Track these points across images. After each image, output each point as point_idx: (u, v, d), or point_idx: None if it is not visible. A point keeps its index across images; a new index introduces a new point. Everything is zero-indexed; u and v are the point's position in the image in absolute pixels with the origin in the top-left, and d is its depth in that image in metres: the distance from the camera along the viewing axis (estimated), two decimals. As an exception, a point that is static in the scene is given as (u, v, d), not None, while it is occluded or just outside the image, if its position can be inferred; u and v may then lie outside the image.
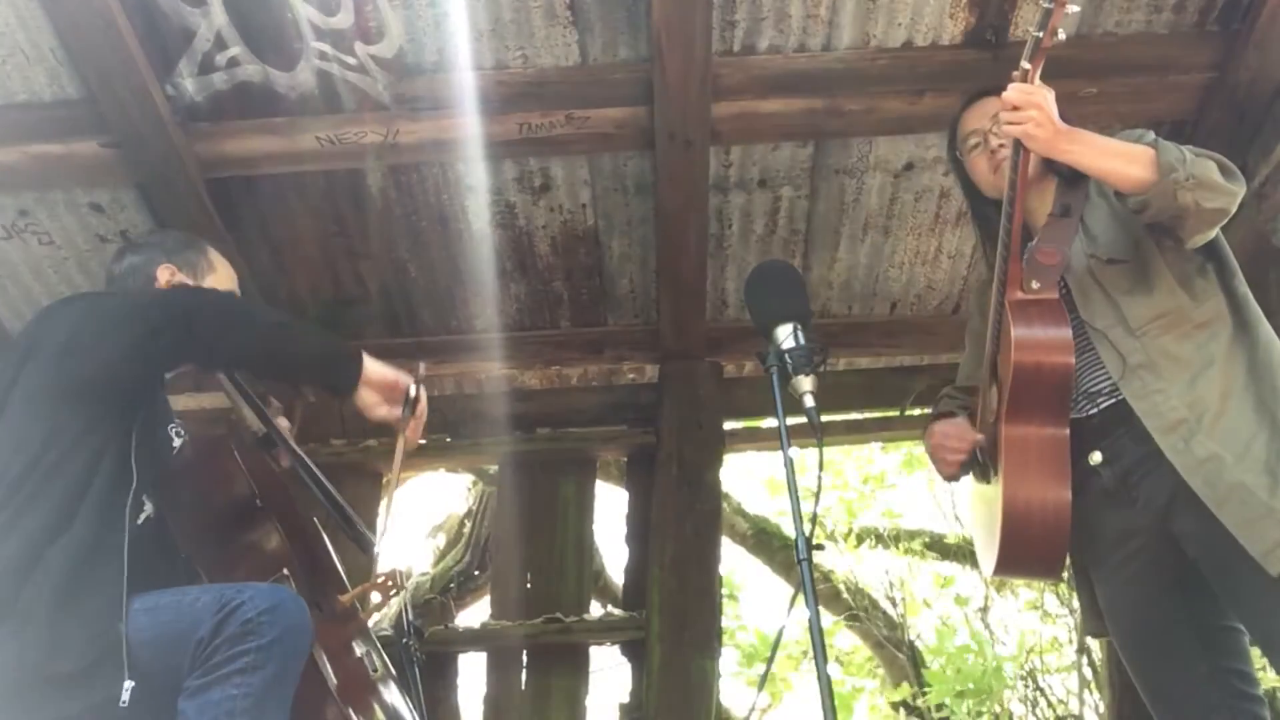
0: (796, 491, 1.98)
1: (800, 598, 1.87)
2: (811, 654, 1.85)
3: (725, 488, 4.70)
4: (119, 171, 3.49)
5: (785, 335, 2.10)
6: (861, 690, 7.18)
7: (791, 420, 2.05)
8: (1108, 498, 2.27)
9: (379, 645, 2.38)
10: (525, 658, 4.06)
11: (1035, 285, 2.27)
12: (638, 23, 3.28)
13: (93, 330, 2.08)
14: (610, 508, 4.85)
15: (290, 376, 2.38)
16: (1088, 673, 6.06)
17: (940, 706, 6.36)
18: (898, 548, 6.92)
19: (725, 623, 6.69)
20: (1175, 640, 2.24)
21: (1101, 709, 5.75)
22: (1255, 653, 2.30)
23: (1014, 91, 2.16)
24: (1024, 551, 2.24)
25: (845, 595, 6.79)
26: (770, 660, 5.84)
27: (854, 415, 4.58)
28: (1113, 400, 2.26)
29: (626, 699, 3.98)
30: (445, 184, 3.70)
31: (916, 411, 4.30)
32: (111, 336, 2.07)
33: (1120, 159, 2.19)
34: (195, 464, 2.24)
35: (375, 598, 2.42)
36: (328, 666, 2.06)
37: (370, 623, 2.47)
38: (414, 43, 3.29)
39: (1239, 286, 2.31)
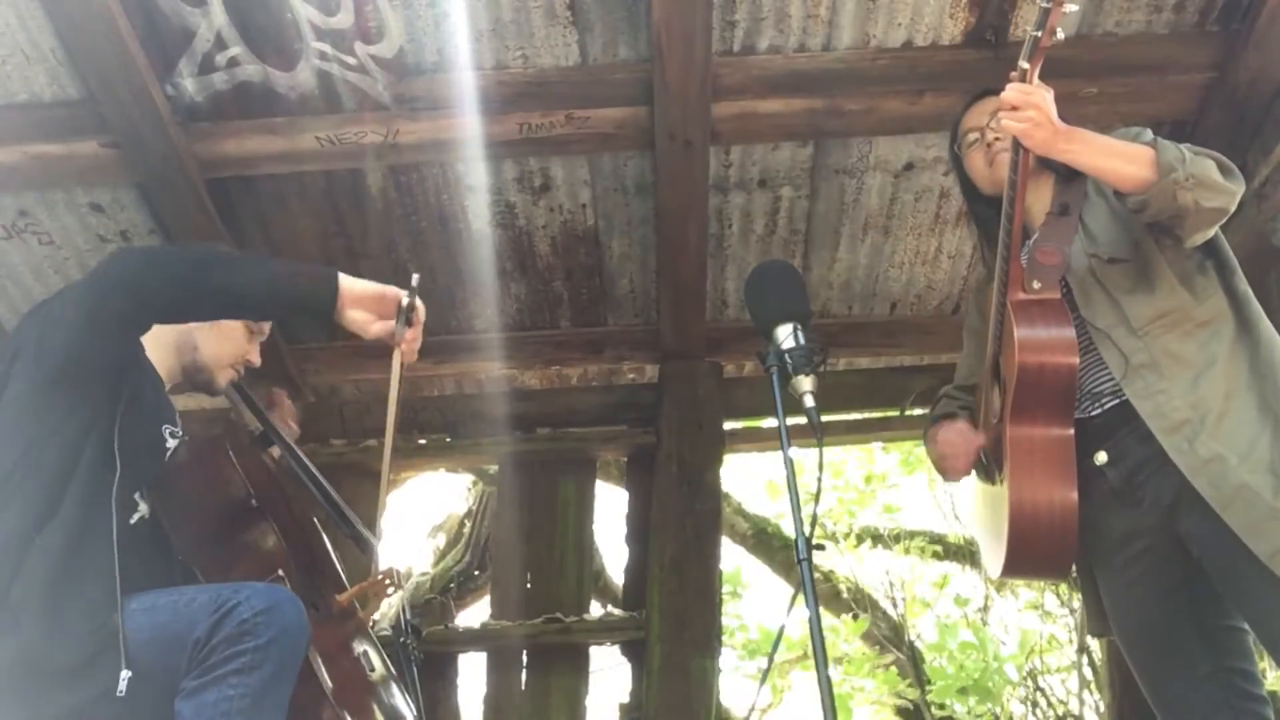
0: (796, 491, 1.98)
1: (800, 598, 1.87)
2: (812, 654, 1.85)
3: (725, 488, 4.70)
4: (119, 171, 3.49)
5: (785, 335, 2.09)
6: (861, 690, 7.18)
7: (791, 420, 2.05)
8: (1113, 498, 2.27)
9: (378, 645, 2.37)
10: (525, 658, 4.06)
11: (1037, 285, 2.27)
12: (638, 23, 3.28)
13: (55, 319, 2.10)
14: (610, 508, 4.86)
15: (264, 310, 2.25)
16: (1088, 673, 6.06)
17: (941, 705, 6.36)
18: (898, 547, 6.92)
19: (726, 621, 6.70)
20: (1179, 640, 2.24)
21: (1101, 709, 5.75)
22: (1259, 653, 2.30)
23: (1012, 91, 2.16)
24: (1032, 552, 2.24)
25: (845, 595, 6.79)
26: (770, 660, 5.83)
27: (854, 415, 4.58)
28: (1116, 400, 2.26)
29: (626, 699, 3.98)
30: (445, 184, 3.70)
31: (916, 411, 4.30)
32: (65, 325, 2.07)
33: (1119, 158, 2.19)
34: (190, 465, 2.23)
35: (373, 597, 2.41)
36: (323, 669, 2.06)
37: (369, 622, 2.46)
38: (414, 43, 3.29)
39: (1240, 285, 2.30)
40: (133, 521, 2.09)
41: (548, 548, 4.22)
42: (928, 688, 6.36)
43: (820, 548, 1.95)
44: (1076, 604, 5.90)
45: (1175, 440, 2.15)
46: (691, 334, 4.09)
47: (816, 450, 2.05)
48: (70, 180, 3.54)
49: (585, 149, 3.57)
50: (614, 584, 5.61)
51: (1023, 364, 2.20)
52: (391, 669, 2.35)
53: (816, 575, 1.94)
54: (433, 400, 4.38)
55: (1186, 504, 2.15)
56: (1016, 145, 2.20)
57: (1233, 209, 2.20)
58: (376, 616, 2.75)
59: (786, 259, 3.92)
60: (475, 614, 5.61)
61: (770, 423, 4.27)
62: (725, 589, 6.76)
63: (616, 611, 4.29)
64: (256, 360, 2.47)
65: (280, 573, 2.14)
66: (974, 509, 2.63)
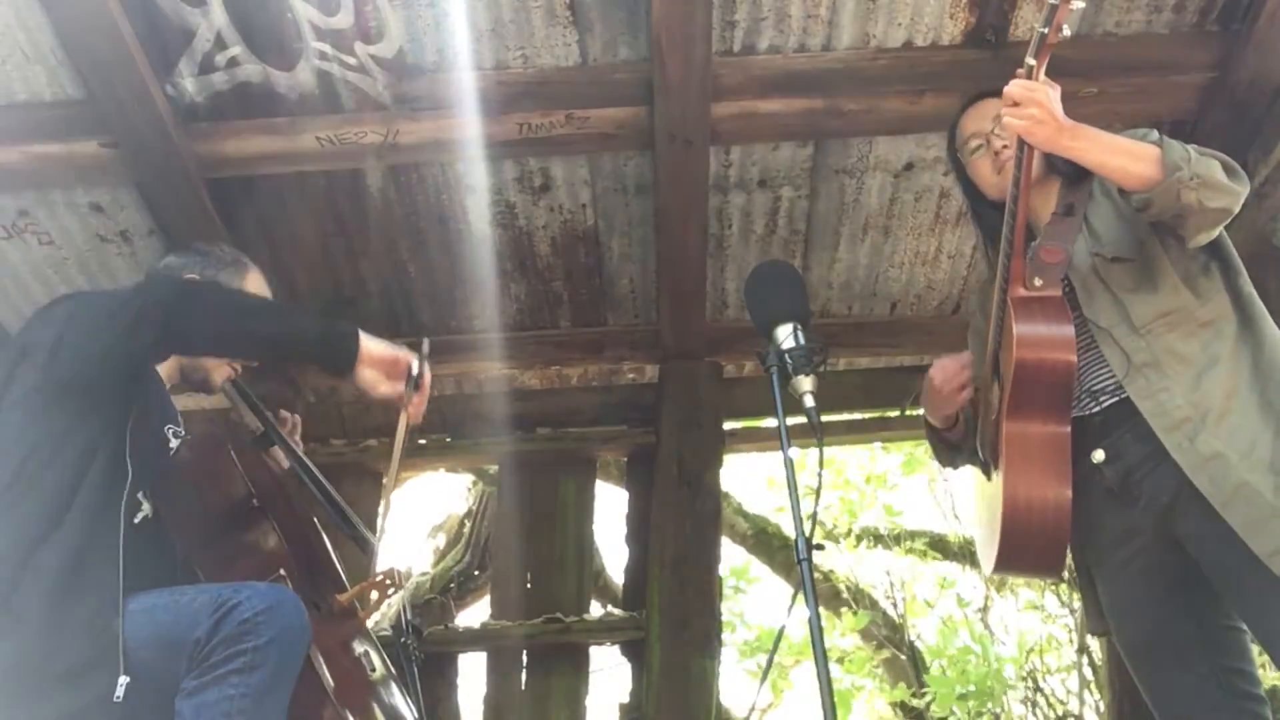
0: (797, 491, 1.98)
1: (800, 597, 1.87)
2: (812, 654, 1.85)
3: (725, 488, 4.70)
4: (119, 171, 3.49)
5: (785, 335, 2.10)
6: (861, 689, 7.18)
7: (791, 420, 2.05)
8: (1110, 496, 2.27)
9: (379, 645, 2.37)
10: (525, 658, 4.06)
11: (1038, 282, 2.27)
12: (638, 23, 3.28)
13: (76, 330, 2.09)
14: (610, 508, 4.86)
15: (284, 358, 2.32)
16: (1088, 673, 6.06)
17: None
18: (899, 548, 6.92)
19: (729, 618, 6.71)
20: (1177, 640, 2.24)
21: (1101, 709, 5.75)
22: (1256, 651, 2.30)
23: (1015, 86, 2.15)
24: (1024, 549, 2.24)
25: (845, 595, 6.79)
26: (770, 660, 5.83)
27: (854, 415, 4.59)
28: (1115, 398, 2.26)
29: (626, 699, 3.98)
30: (445, 184, 3.70)
31: (916, 411, 4.30)
32: (92, 336, 2.07)
33: (1124, 156, 2.18)
34: (192, 464, 2.23)
35: (374, 597, 2.41)
36: (324, 668, 2.06)
37: (370, 622, 2.46)
38: (414, 43, 3.29)
39: (1244, 286, 2.30)
40: (137, 521, 2.09)
41: (548, 548, 4.23)
42: (925, 692, 6.35)
43: (820, 548, 1.95)
44: (1076, 604, 5.90)
45: (1176, 438, 2.15)
46: (691, 334, 4.09)
47: (816, 450, 2.05)
48: (70, 180, 3.54)
49: (585, 149, 3.57)
50: (614, 584, 5.61)
51: (1020, 359, 2.21)
52: (392, 669, 2.35)
53: (816, 575, 1.94)
54: (433, 400, 4.33)
55: (1184, 504, 2.15)
56: (1021, 142, 2.20)
57: (1236, 210, 2.20)
58: (377, 616, 2.75)
59: (786, 259, 3.92)
60: (475, 614, 5.61)
61: (770, 422, 4.26)
62: (730, 583, 6.77)
63: (616, 611, 4.29)
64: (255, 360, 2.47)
65: (281, 572, 2.14)
66: (972, 506, 2.63)
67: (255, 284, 2.48)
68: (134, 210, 3.67)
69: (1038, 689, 6.43)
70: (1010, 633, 6.83)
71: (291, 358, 2.25)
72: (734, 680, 7.13)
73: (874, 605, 6.82)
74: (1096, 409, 2.28)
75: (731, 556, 6.73)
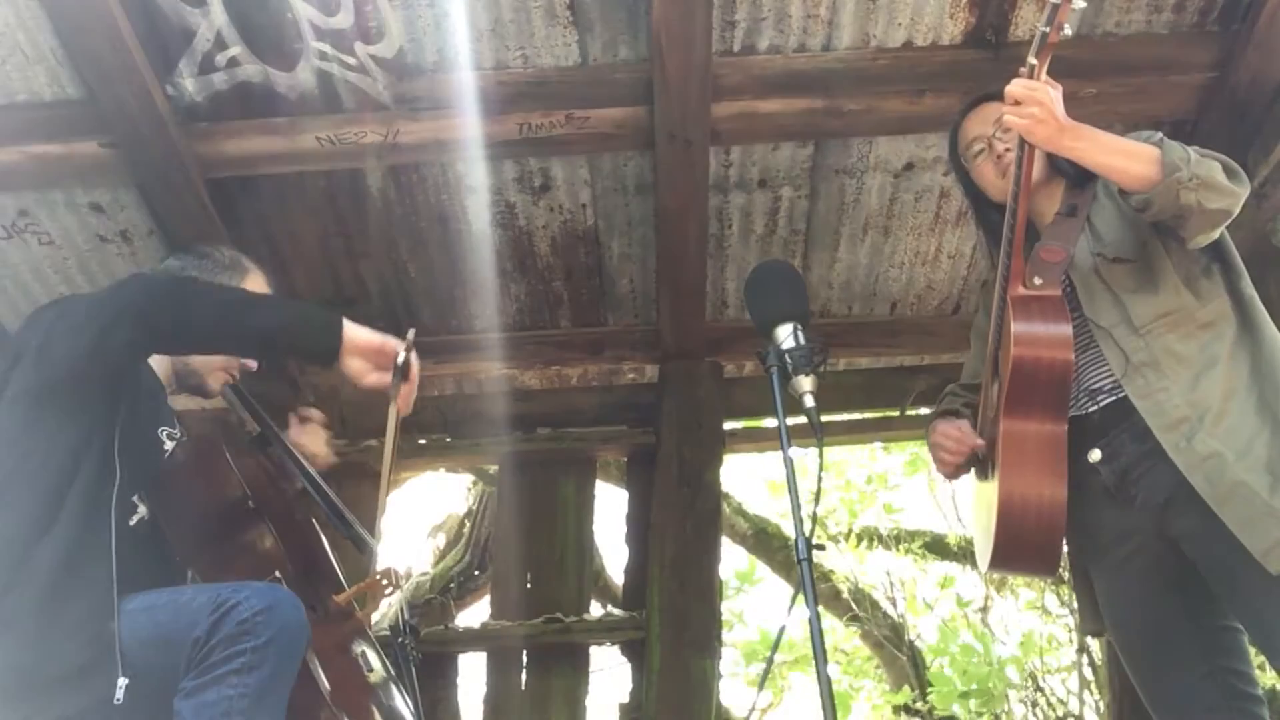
0: (797, 491, 1.98)
1: (800, 597, 1.87)
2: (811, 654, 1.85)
3: (725, 488, 4.70)
4: (119, 171, 3.49)
5: (785, 335, 2.10)
6: (861, 689, 7.19)
7: (791, 420, 2.05)
8: (1106, 496, 2.27)
9: (377, 645, 2.37)
10: (525, 658, 4.06)
11: (1038, 281, 2.28)
12: (638, 23, 3.28)
13: (59, 332, 2.09)
14: (610, 508, 4.86)
15: (268, 350, 2.29)
16: (1088, 673, 6.06)
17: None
18: (899, 548, 6.92)
19: (728, 618, 6.69)
20: (1174, 640, 2.24)
21: (1101, 709, 5.75)
22: (1255, 652, 2.30)
23: (1017, 86, 2.15)
24: (1019, 547, 2.24)
25: (845, 595, 6.79)
26: (770, 661, 5.84)
27: (854, 415, 4.59)
28: (1113, 398, 2.26)
29: (626, 699, 3.98)
30: (445, 184, 3.70)
31: (916, 411, 4.30)
32: (74, 337, 2.07)
33: (1124, 156, 2.19)
34: (187, 466, 2.23)
35: (371, 597, 2.41)
36: (319, 671, 2.05)
37: (368, 623, 2.46)
38: (414, 43, 3.29)
39: (1245, 287, 2.31)
40: (132, 523, 2.09)
41: (548, 548, 4.22)
42: (929, 694, 6.35)
43: (820, 548, 1.95)
44: (1076, 604, 5.89)
45: (1173, 437, 2.15)
46: (691, 334, 4.09)
47: (816, 450, 2.05)
48: (70, 180, 3.54)
49: (585, 149, 3.57)
50: (614, 584, 5.61)
51: (1018, 358, 2.21)
52: (390, 669, 2.34)
53: (816, 575, 1.94)
54: (433, 400, 4.37)
55: (1180, 503, 2.16)
56: (1022, 142, 2.20)
57: (1236, 211, 2.20)
58: (376, 617, 2.75)
59: (786, 259, 3.92)
60: (475, 614, 5.61)
61: (770, 423, 4.26)
62: (734, 585, 6.76)
63: (616, 611, 4.29)
64: (253, 364, 2.46)
65: (277, 574, 2.13)
66: (971, 505, 2.64)
67: (255, 286, 2.48)
68: (134, 210, 3.67)
69: (1038, 689, 6.43)
70: (1011, 633, 6.83)
71: (276, 349, 2.22)
72: (734, 680, 7.12)
73: (874, 605, 6.82)
74: (1094, 408, 2.29)
75: (732, 557, 6.73)
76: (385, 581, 2.34)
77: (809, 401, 2.05)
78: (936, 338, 4.18)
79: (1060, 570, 2.45)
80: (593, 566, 4.59)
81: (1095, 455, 2.27)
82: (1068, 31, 2.07)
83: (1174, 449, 2.15)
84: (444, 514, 6.37)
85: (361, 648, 2.29)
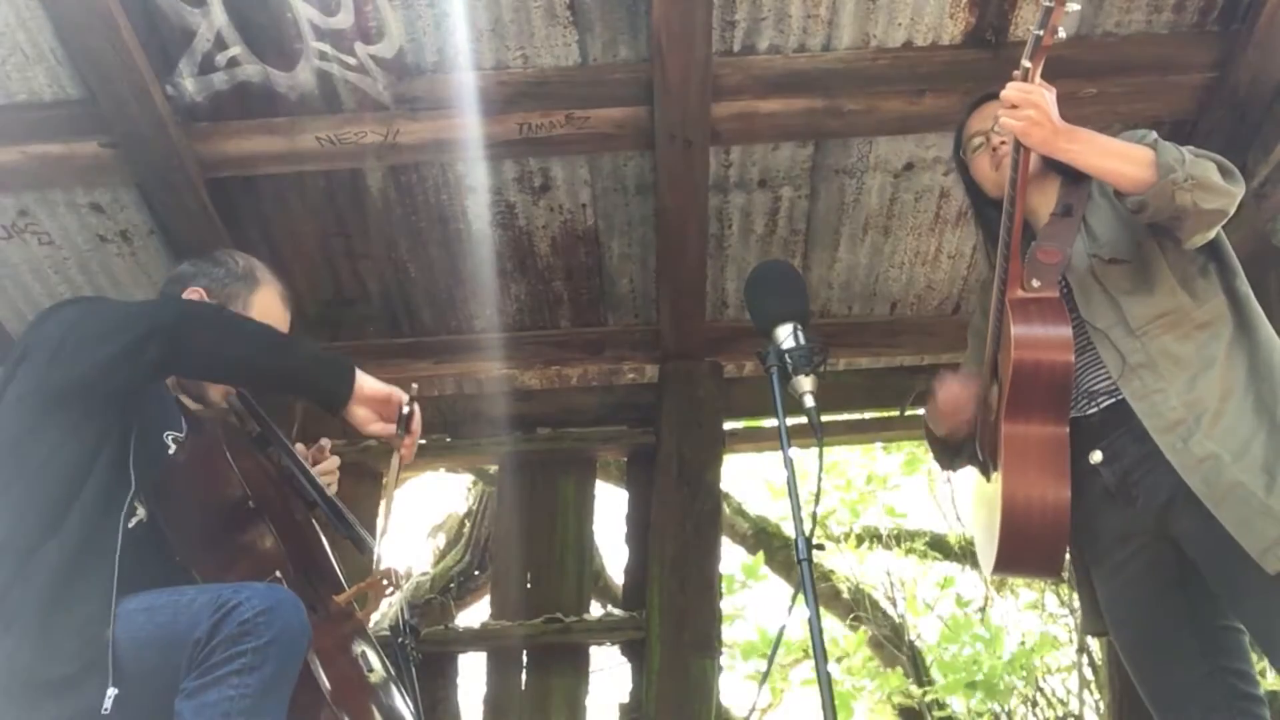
0: (797, 491, 1.98)
1: (800, 598, 1.87)
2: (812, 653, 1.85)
3: (725, 488, 4.70)
4: (119, 171, 3.49)
5: (785, 335, 2.10)
6: (861, 690, 7.18)
7: (791, 420, 2.05)
8: (1108, 497, 2.27)
9: (377, 646, 2.37)
10: (525, 658, 4.07)
11: (1036, 283, 2.27)
12: (638, 23, 3.28)
13: (80, 337, 2.08)
14: (610, 508, 4.86)
15: (280, 390, 2.34)
16: (1088, 673, 6.06)
17: (942, 705, 6.36)
18: (899, 548, 6.92)
19: (732, 613, 6.68)
20: (1175, 640, 2.24)
21: (1101, 709, 5.76)
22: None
23: (1011, 89, 2.16)
24: (1023, 549, 2.24)
25: (845, 595, 6.79)
26: (770, 661, 5.84)
27: (854, 415, 4.59)
28: (1112, 399, 2.26)
29: (626, 699, 3.98)
30: (445, 184, 3.70)
31: (916, 411, 4.30)
32: (97, 345, 2.05)
33: (1119, 158, 2.19)
34: (187, 466, 2.22)
35: (371, 597, 2.41)
36: (320, 671, 2.05)
37: (368, 623, 2.46)
38: (414, 43, 3.29)
39: (1241, 287, 2.31)
40: (131, 525, 2.08)
41: (548, 548, 4.23)
42: (934, 682, 6.35)
43: (820, 548, 1.95)
44: (1076, 604, 5.90)
45: (1170, 439, 2.15)
46: (691, 334, 4.09)
47: (816, 450, 2.05)
48: (70, 180, 3.54)
49: (585, 149, 3.57)
50: (614, 584, 5.61)
51: (1018, 360, 2.21)
52: (390, 670, 2.34)
53: (816, 575, 1.94)
54: (433, 400, 4.37)
55: (1180, 503, 2.16)
56: (1017, 143, 2.21)
57: (1232, 211, 2.20)
58: (376, 617, 2.75)
59: (786, 259, 3.92)
60: (475, 614, 5.61)
61: (770, 423, 4.27)
62: (739, 579, 6.75)
63: (616, 611, 4.29)
64: None
65: (277, 574, 2.13)
66: (971, 507, 2.64)
67: (268, 298, 2.45)
68: (134, 210, 3.67)
69: (1038, 689, 6.43)
70: (1011, 634, 6.83)
71: (286, 391, 2.26)
72: (734, 680, 7.12)
73: (874, 605, 6.82)
74: (1094, 410, 2.29)
75: (732, 556, 6.73)
76: (385, 582, 2.34)
77: (809, 401, 2.05)
78: (936, 338, 4.18)
79: (1062, 572, 2.44)
80: (593, 566, 4.59)
81: (1096, 457, 2.27)
82: (1062, 34, 2.08)
83: (1171, 450, 2.15)
84: (444, 514, 6.38)
85: (362, 648, 2.29)
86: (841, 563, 6.93)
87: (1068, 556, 2.36)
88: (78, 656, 1.89)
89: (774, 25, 3.32)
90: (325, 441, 2.60)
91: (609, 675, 4.70)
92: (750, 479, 7.38)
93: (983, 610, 6.94)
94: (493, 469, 4.87)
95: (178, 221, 3.57)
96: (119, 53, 3.16)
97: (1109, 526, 2.28)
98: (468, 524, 6.00)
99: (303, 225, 3.80)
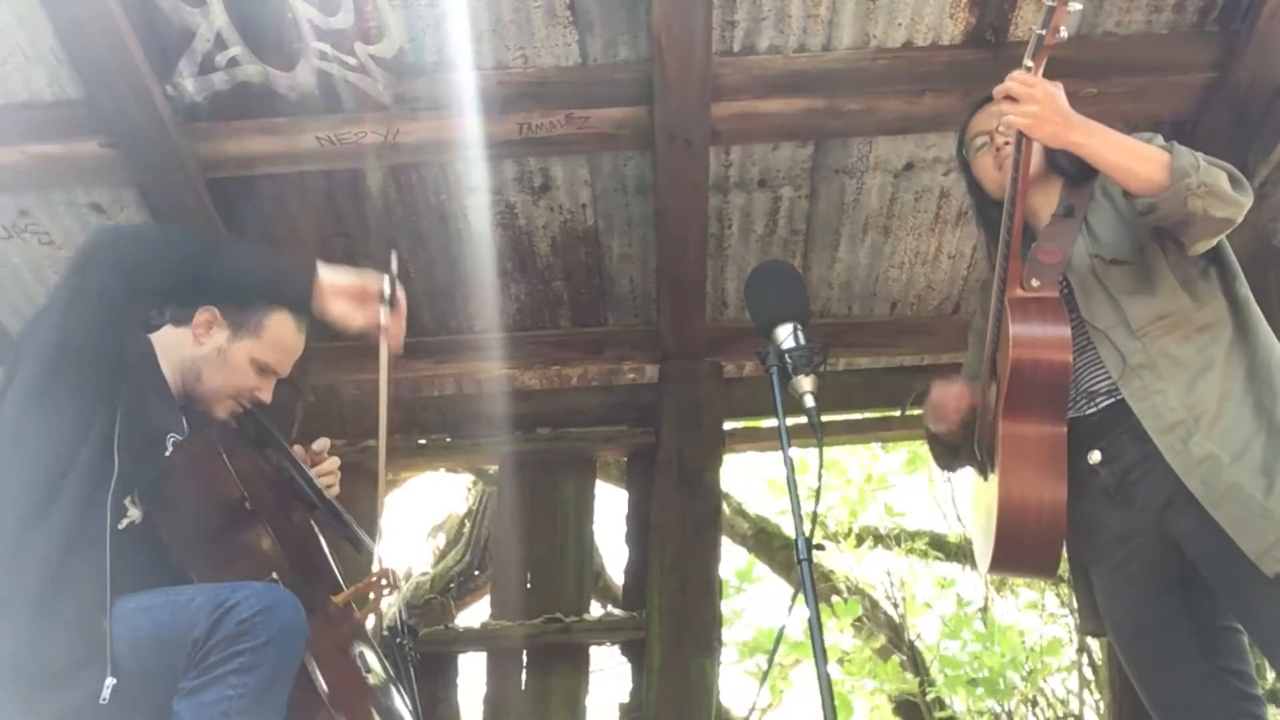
0: (797, 491, 1.98)
1: (801, 597, 1.87)
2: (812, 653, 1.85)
3: (725, 488, 4.70)
4: (119, 171, 3.49)
5: (785, 335, 2.10)
6: (861, 689, 7.18)
7: (791, 420, 2.05)
8: (1106, 497, 2.27)
9: (376, 646, 2.37)
10: (525, 658, 4.07)
11: (1035, 283, 2.27)
12: (638, 23, 3.28)
13: (45, 309, 2.11)
14: (610, 508, 4.86)
15: (239, 297, 2.25)
16: (1088, 673, 6.06)
17: (941, 705, 6.36)
18: (899, 548, 6.92)
19: (729, 615, 6.68)
20: (1174, 640, 2.24)
21: (1101, 709, 5.76)
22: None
23: (1013, 83, 2.14)
24: (1019, 549, 2.24)
25: (845, 595, 6.78)
26: (770, 661, 5.83)
27: (854, 415, 4.59)
28: (1112, 400, 2.26)
29: (626, 699, 3.98)
30: (445, 184, 3.70)
31: (916, 411, 4.30)
32: (51, 313, 2.08)
33: (1133, 156, 2.17)
34: (183, 467, 2.21)
35: (370, 598, 2.40)
36: (318, 673, 2.05)
37: (366, 623, 2.45)
38: (414, 43, 3.29)
39: (1241, 290, 2.30)
40: (121, 527, 2.07)
41: (548, 548, 4.23)
42: (934, 683, 6.35)
43: (820, 548, 1.95)
44: (1076, 604, 5.89)
45: (1169, 440, 2.15)
46: (691, 334, 4.09)
47: (816, 450, 2.05)
48: (70, 180, 3.54)
49: (585, 149, 3.57)
50: (614, 584, 5.61)
51: (1016, 360, 2.21)
52: (389, 670, 2.34)
53: (816, 575, 1.94)
54: (433, 400, 4.38)
55: (1179, 504, 2.16)
56: (1019, 141, 2.20)
57: (1239, 221, 2.20)
58: (374, 617, 2.74)
59: (786, 259, 3.93)
60: (475, 614, 5.61)
61: (770, 422, 4.27)
62: (733, 584, 6.75)
63: (616, 611, 4.29)
64: (267, 398, 2.39)
65: (274, 575, 2.13)
66: (970, 506, 2.64)
67: (269, 331, 2.42)
68: (134, 210, 3.67)
69: (1038, 688, 6.43)
70: (1013, 634, 6.83)
71: (250, 294, 2.18)
72: (734, 680, 7.12)
73: (874, 605, 6.82)
74: (1093, 410, 2.28)
75: (732, 557, 6.73)
76: (384, 582, 2.33)
77: (809, 401, 2.04)
78: (936, 338, 4.19)
79: (1060, 571, 2.44)
80: (593, 566, 4.59)
81: (1095, 457, 2.26)
82: (1064, 34, 2.07)
83: (1170, 451, 2.15)
84: (444, 514, 6.37)
85: (360, 649, 2.29)
86: (841, 563, 6.92)
87: (1065, 556, 2.37)
88: (74, 647, 1.89)
89: (774, 25, 3.32)
90: (325, 441, 2.57)
91: (609, 675, 4.70)
92: (750, 479, 7.39)
93: (984, 610, 6.93)
94: (493, 469, 4.87)
95: (178, 221, 3.56)
96: (119, 53, 3.16)
97: (1107, 527, 2.28)
98: (468, 524, 6.00)
99: (303, 225, 3.80)
